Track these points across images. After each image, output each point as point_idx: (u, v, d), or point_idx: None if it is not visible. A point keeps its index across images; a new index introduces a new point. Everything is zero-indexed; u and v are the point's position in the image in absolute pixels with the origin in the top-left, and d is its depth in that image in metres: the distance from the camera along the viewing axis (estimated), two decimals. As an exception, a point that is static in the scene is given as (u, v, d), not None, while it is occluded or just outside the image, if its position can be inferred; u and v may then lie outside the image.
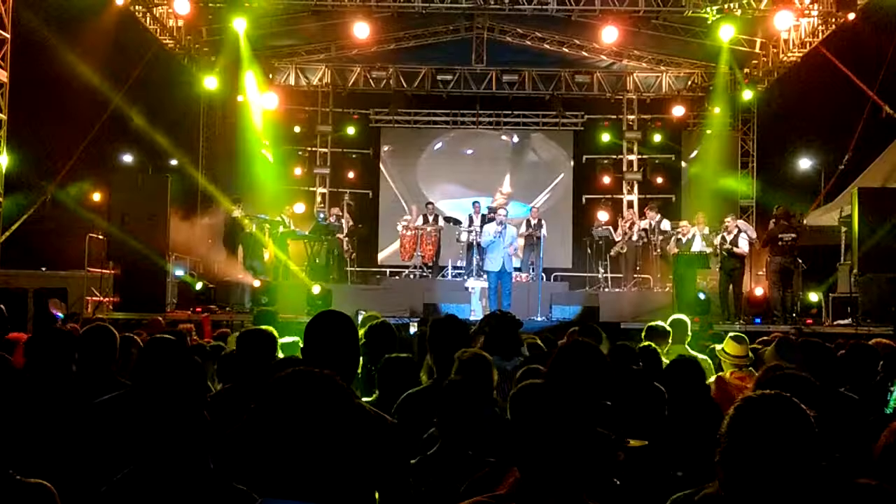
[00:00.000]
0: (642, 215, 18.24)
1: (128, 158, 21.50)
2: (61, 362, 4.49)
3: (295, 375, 2.04)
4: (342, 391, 2.03)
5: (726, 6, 15.37)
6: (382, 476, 2.83)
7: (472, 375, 3.92)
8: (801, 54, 17.31)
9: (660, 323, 7.26)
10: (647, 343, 6.25)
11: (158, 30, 16.55)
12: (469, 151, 21.74)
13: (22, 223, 15.53)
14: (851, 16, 14.71)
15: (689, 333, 7.26)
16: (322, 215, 18.11)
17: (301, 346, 3.33)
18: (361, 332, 5.77)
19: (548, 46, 20.22)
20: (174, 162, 18.56)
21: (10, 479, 2.63)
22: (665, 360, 6.51)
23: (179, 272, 15.94)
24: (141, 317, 12.06)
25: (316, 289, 14.95)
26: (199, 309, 14.32)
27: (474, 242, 17.24)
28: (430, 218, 18.26)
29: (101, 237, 15.10)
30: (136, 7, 15.39)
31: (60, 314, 13.76)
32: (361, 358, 5.12)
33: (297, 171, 21.08)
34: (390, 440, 2.94)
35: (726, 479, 2.13)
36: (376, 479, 2.81)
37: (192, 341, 7.41)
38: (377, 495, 2.83)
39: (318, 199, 21.18)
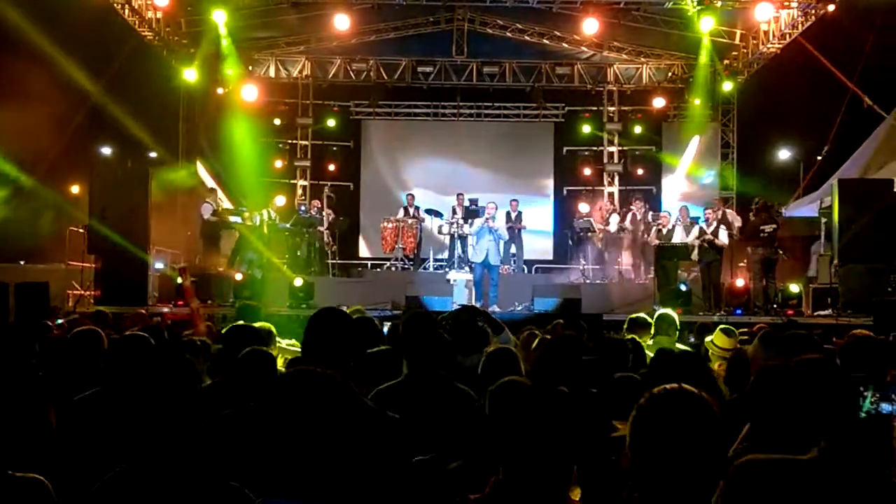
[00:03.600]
0: (628, 206, 18.31)
1: (107, 151, 21.32)
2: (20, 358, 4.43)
3: (297, 374, 2.04)
4: (344, 389, 2.03)
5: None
6: (384, 471, 2.83)
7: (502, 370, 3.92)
8: (780, 46, 17.41)
9: (641, 315, 7.27)
10: (630, 336, 6.26)
11: (137, 21, 16.42)
12: (450, 143, 21.69)
13: (0, 217, 15.39)
14: (831, 7, 14.81)
15: (678, 328, 7.25)
16: (303, 208, 18.07)
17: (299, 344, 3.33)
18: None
19: (528, 38, 20.23)
20: (154, 154, 18.40)
21: (4, 475, 2.63)
22: (648, 353, 6.54)
23: (160, 265, 15.85)
24: (122, 310, 11.97)
25: (298, 281, 14.91)
26: (181, 302, 14.23)
27: (456, 235, 17.27)
28: (412, 210, 18.26)
29: (80, 230, 14.98)
30: (115, -1, 15.25)
31: None
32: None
33: (278, 163, 21.00)
34: (392, 435, 2.93)
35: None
36: (378, 476, 2.80)
37: (186, 335, 7.37)
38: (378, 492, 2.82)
39: (300, 191, 21.11)
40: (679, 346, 6.75)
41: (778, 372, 3.21)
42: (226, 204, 17.77)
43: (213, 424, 3.19)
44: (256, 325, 5.77)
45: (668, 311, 7.43)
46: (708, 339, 6.87)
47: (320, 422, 1.96)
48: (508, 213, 17.51)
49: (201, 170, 18.92)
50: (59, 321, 9.80)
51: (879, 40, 15.81)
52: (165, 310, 13.73)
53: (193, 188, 17.98)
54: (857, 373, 4.77)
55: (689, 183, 20.29)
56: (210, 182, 18.44)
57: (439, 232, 18.18)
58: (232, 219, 16.24)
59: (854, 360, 4.50)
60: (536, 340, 5.57)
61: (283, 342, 6.57)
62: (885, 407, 2.50)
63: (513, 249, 17.66)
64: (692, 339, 8.94)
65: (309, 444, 1.94)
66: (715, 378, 5.01)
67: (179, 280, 14.91)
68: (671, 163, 20.65)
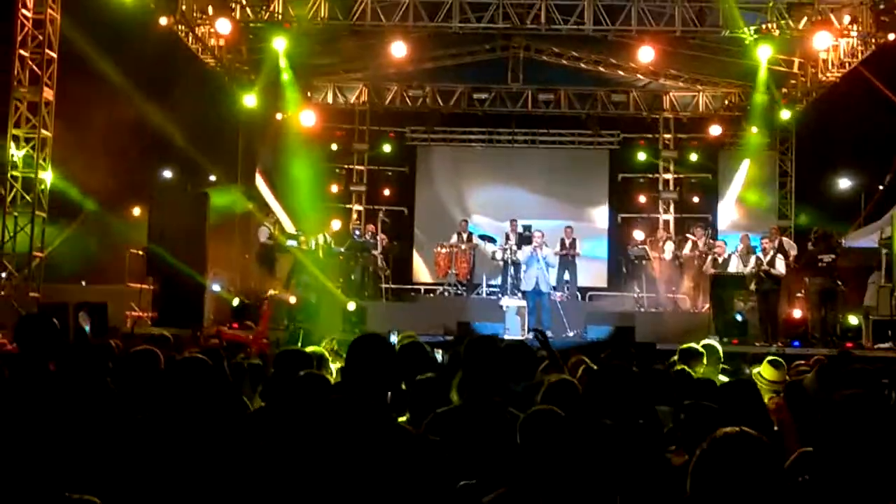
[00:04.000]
0: (684, 234, 18.16)
1: (168, 174, 21.77)
2: (95, 377, 4.52)
3: (336, 403, 2.09)
4: (383, 416, 2.08)
5: (764, 27, 15.30)
6: (422, 495, 2.86)
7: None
8: (839, 74, 17.17)
9: (693, 345, 7.20)
10: (680, 367, 6.20)
11: (200, 49, 16.81)
12: (504, 170, 21.75)
13: (64, 238, 15.78)
14: (892, 36, 14.57)
15: (720, 358, 7.19)
16: (357, 232, 18.24)
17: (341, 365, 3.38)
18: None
19: (584, 65, 20.26)
20: (213, 178, 18.76)
21: (62, 498, 2.63)
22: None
23: (216, 287, 16.09)
24: (178, 332, 12.17)
25: (351, 306, 15.03)
26: (235, 325, 14.44)
27: (509, 260, 17.28)
28: (465, 235, 18.32)
29: (140, 253, 15.29)
30: (179, 27, 15.64)
31: (87, 327, 13.93)
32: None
33: (334, 188, 21.25)
34: (433, 458, 2.96)
35: None
36: (415, 499, 2.83)
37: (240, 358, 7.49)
38: None
39: (354, 216, 21.32)
40: (721, 377, 6.66)
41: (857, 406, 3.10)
42: (285, 226, 18.04)
43: (258, 449, 3.26)
44: (308, 349, 5.85)
45: (711, 341, 7.37)
46: (756, 370, 6.76)
47: (351, 448, 2.00)
48: (563, 240, 17.47)
49: (264, 190, 19.22)
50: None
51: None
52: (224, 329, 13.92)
53: (250, 212, 18.27)
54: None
55: (744, 210, 20.03)
56: (273, 202, 18.73)
57: (492, 258, 18.20)
58: (288, 242, 16.47)
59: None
60: (581, 369, 5.56)
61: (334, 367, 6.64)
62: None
63: (566, 276, 17.59)
64: (747, 371, 8.82)
65: (341, 470, 1.99)
66: (765, 411, 4.94)
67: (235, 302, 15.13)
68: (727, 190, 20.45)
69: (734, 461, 2.15)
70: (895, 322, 13.45)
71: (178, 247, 14.23)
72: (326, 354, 6.13)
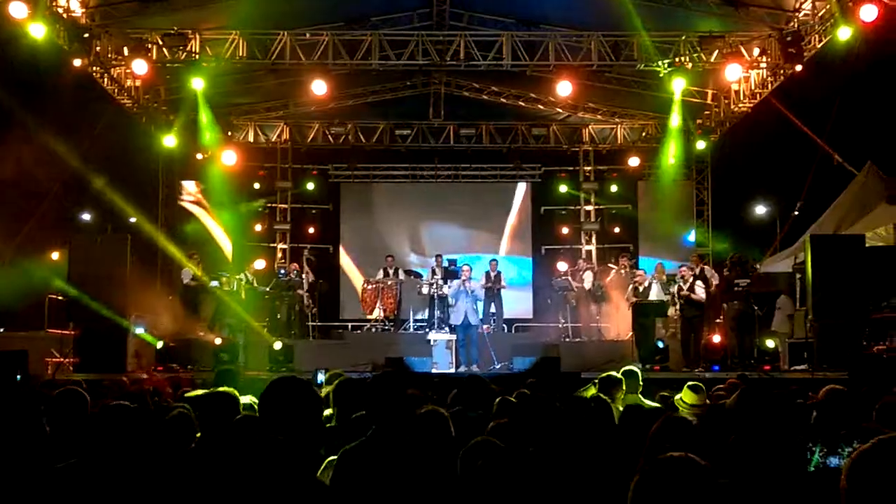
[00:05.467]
0: (612, 264, 18.48)
1: (87, 217, 21.36)
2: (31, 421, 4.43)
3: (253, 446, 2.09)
4: (293, 463, 2.07)
5: (677, 60, 15.73)
6: None
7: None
8: (751, 105, 17.75)
9: (612, 373, 7.34)
10: (597, 394, 6.33)
11: (116, 90, 16.58)
12: (428, 205, 21.86)
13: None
14: (798, 67, 15.11)
15: (641, 383, 7.36)
16: (283, 271, 18.12)
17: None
18: (328, 389, 5.82)
19: (504, 100, 20.55)
20: (133, 220, 18.45)
21: None
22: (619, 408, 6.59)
23: (139, 330, 15.79)
24: (101, 377, 11.89)
25: (278, 345, 14.90)
26: (160, 368, 14.16)
27: (436, 295, 17.34)
28: (391, 271, 18.34)
29: (60, 297, 14.92)
30: (94, 68, 15.42)
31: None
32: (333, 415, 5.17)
33: (258, 227, 21.08)
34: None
35: None
36: None
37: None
38: None
39: (279, 254, 21.15)
40: (647, 402, 6.81)
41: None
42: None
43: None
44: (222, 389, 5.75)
45: (633, 367, 7.54)
46: (677, 396, 6.92)
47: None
48: (488, 273, 17.60)
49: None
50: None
51: (846, 98, 16.17)
52: (144, 376, 13.63)
53: (173, 253, 18.00)
54: (834, 427, 4.84)
55: (665, 240, 20.48)
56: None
57: (419, 293, 18.23)
58: (211, 283, 16.27)
59: (830, 415, 4.58)
60: (497, 401, 5.66)
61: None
62: (833, 461, 2.55)
63: (493, 308, 17.72)
64: (664, 395, 8.99)
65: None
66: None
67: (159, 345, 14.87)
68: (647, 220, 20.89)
69: (675, 485, 2.15)
70: (810, 345, 13.82)
71: (98, 290, 13.94)
72: (236, 395, 6.03)
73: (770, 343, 14.78)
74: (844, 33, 13.51)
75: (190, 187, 19.79)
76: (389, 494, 3.65)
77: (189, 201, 19.73)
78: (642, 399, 7.26)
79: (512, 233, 21.87)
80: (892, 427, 4.71)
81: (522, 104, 20.63)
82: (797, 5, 15.07)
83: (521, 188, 21.99)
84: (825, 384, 5.81)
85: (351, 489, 3.76)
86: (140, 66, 15.17)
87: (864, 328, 13.34)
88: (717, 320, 15.72)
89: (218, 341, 15.05)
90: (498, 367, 15.29)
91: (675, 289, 15.17)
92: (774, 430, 3.36)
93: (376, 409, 4.24)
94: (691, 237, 20.44)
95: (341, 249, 21.60)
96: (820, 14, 14.67)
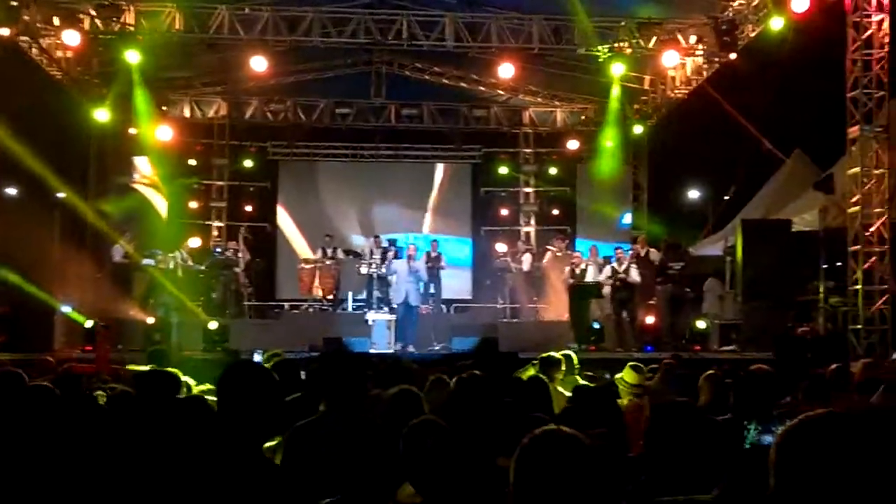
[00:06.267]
0: (550, 246, 18.60)
1: (12, 192, 20.76)
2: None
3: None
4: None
5: (617, 45, 15.86)
6: None
7: None
8: (687, 91, 18.00)
9: (552, 354, 7.41)
10: (537, 374, 6.39)
11: (45, 61, 16.11)
12: (368, 184, 21.75)
13: None
14: (733, 55, 15.36)
15: (577, 365, 7.49)
16: (218, 250, 17.87)
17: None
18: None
19: (446, 81, 20.52)
20: (61, 195, 17.99)
21: None
22: (562, 390, 6.66)
23: (66, 308, 15.48)
24: (28, 357, 11.62)
25: (213, 324, 14.73)
26: (88, 347, 13.88)
27: (374, 276, 17.27)
28: (329, 251, 18.21)
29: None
30: (22, 38, 14.95)
31: None
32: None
33: (193, 204, 20.72)
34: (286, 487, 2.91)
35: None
36: None
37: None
38: None
39: (215, 232, 20.85)
40: (583, 382, 6.92)
41: (671, 410, 3.31)
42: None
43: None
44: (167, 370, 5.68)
45: (568, 351, 7.67)
46: (618, 375, 7.02)
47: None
48: (428, 253, 17.60)
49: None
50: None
51: (778, 87, 16.50)
52: (75, 354, 13.36)
53: (103, 229, 17.62)
54: (760, 405, 4.96)
55: (601, 223, 20.70)
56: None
57: (357, 273, 18.15)
58: (144, 261, 15.96)
59: (748, 394, 4.69)
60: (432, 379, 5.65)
61: (197, 388, 6.47)
62: (766, 439, 2.61)
63: (432, 289, 17.73)
64: (608, 377, 9.12)
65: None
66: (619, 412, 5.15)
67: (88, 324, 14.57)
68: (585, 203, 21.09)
69: (549, 459, 2.20)
70: (739, 326, 14.14)
71: (25, 267, 13.60)
72: (181, 376, 5.95)
73: (701, 324, 15.07)
74: (777, 23, 13.76)
75: (143, 166, 19.18)
76: (340, 471, 3.63)
77: (143, 183, 19.10)
78: (580, 380, 7.36)
79: (452, 213, 21.82)
80: (817, 402, 4.85)
81: (464, 85, 20.64)
82: (733, -6, 15.32)
83: (462, 169, 21.92)
84: (753, 363, 5.96)
85: (301, 466, 3.73)
86: (72, 38, 14.76)
87: (790, 310, 13.69)
88: (651, 302, 15.96)
89: (150, 320, 14.82)
90: (437, 347, 15.32)
91: (610, 271, 15.36)
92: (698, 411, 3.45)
93: (328, 388, 4.20)
94: (626, 220, 20.69)
95: (279, 228, 21.38)
96: (754, 4, 14.91)
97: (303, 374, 7.00)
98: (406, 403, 4.15)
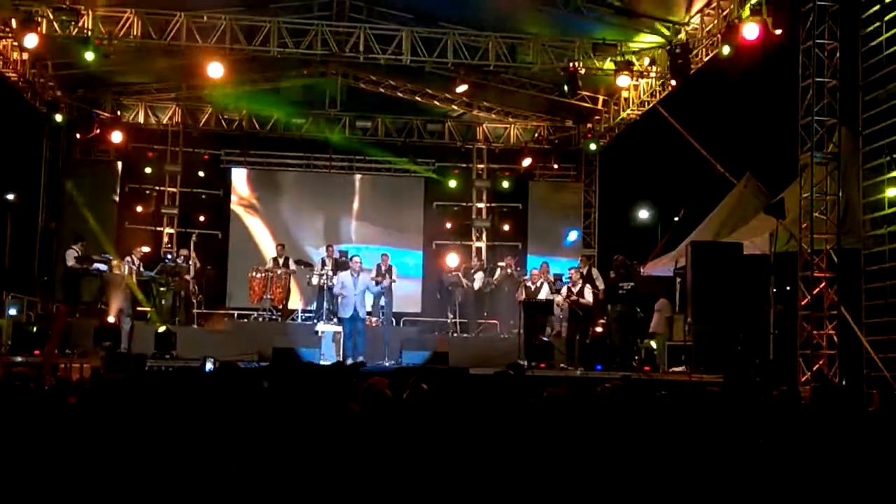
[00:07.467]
0: (501, 263, 18.75)
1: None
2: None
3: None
4: None
5: (571, 64, 16.05)
6: None
7: None
8: (640, 112, 18.34)
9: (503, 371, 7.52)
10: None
11: (0, 63, 15.89)
12: (321, 195, 21.73)
13: None
14: (683, 79, 15.66)
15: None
16: (169, 256, 17.71)
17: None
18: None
19: (401, 94, 20.64)
20: (11, 197, 17.73)
21: None
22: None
23: (13, 311, 15.25)
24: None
25: (161, 330, 14.61)
26: (37, 352, 13.68)
27: (325, 286, 17.23)
28: (281, 261, 18.15)
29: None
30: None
31: None
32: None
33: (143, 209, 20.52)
34: None
35: None
36: None
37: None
38: None
39: (166, 239, 20.67)
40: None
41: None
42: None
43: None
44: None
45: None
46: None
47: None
48: (379, 267, 17.60)
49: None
50: None
51: (729, 111, 16.84)
52: (19, 359, 13.17)
53: (52, 232, 17.40)
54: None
55: (552, 240, 20.93)
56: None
57: (308, 283, 18.10)
58: (98, 266, 15.77)
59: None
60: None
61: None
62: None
63: (382, 302, 17.73)
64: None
65: None
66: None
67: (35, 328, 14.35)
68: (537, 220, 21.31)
69: None
70: (689, 347, 14.33)
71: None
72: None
73: (653, 344, 15.30)
74: (728, 49, 14.07)
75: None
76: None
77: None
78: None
79: (404, 226, 21.84)
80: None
81: (419, 99, 20.79)
82: (687, 19, 15.65)
83: (415, 182, 21.99)
84: (702, 386, 6.14)
85: None
86: (31, 41, 14.53)
87: (740, 333, 13.90)
88: (601, 321, 16.16)
89: (105, 325, 14.65)
90: (387, 364, 15.23)
91: (564, 291, 15.56)
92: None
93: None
94: (571, 237, 20.96)
95: (230, 236, 21.24)
96: (707, 29, 15.25)
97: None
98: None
